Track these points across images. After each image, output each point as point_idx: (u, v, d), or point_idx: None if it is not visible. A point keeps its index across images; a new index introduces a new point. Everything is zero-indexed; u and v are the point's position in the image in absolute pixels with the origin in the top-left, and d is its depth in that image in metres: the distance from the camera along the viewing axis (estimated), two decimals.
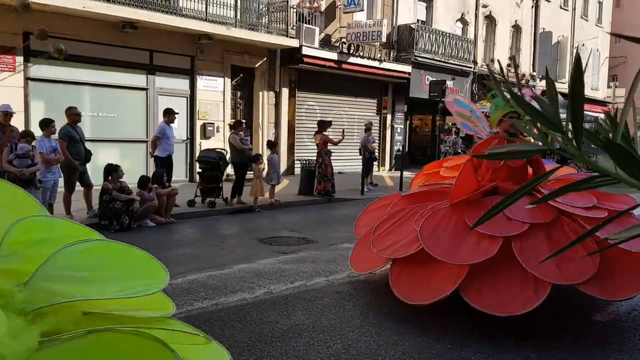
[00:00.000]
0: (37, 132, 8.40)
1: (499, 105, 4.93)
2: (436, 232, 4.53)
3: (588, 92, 31.81)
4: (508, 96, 0.97)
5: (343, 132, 13.23)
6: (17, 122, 8.65)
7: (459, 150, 18.36)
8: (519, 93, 1.00)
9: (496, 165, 4.98)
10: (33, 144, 7.59)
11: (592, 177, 0.96)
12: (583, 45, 31.07)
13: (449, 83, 19.93)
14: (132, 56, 13.12)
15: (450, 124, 20.12)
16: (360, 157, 14.74)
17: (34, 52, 11.59)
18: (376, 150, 17.42)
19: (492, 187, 4.94)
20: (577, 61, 0.90)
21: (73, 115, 8.95)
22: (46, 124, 8.20)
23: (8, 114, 8.14)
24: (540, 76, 26.84)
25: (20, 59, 11.32)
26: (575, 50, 28.94)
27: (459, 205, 4.76)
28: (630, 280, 4.09)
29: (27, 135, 7.57)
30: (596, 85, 33.43)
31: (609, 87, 34.72)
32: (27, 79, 11.49)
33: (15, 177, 7.07)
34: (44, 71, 11.82)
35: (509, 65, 16.85)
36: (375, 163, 16.55)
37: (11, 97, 9.84)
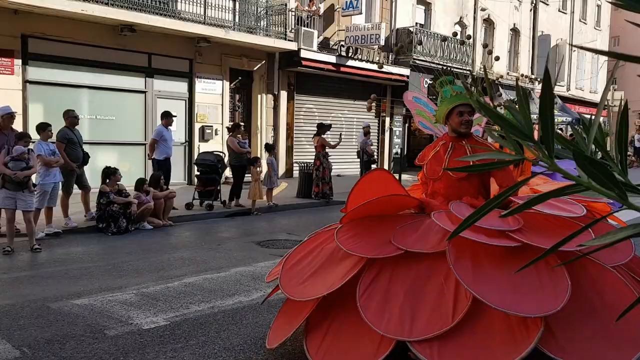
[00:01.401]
0: (34, 135, 8.41)
1: (446, 96, 3.78)
2: (300, 263, 3.67)
3: (587, 95, 31.95)
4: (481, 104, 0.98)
5: (340, 135, 13.27)
6: (15, 125, 8.65)
7: None
8: (492, 98, 1.01)
9: (434, 175, 3.85)
10: (31, 146, 7.57)
11: (568, 186, 0.98)
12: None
13: None
14: (130, 59, 13.15)
15: None
16: (359, 160, 14.76)
17: (32, 55, 11.64)
18: (375, 153, 17.44)
19: (418, 204, 3.87)
20: (546, 72, 0.92)
21: (71, 117, 8.99)
22: (43, 128, 8.20)
23: (13, 116, 8.23)
24: (538, 79, 26.95)
25: (18, 62, 11.34)
26: (570, 53, 29.08)
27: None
28: (500, 349, 2.86)
29: (24, 137, 7.55)
30: (595, 88, 33.55)
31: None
32: (25, 81, 11.51)
33: (10, 179, 7.05)
34: (43, 74, 11.85)
35: (492, 54, 16.81)
36: (374, 166, 16.55)
37: (9, 100, 9.85)
